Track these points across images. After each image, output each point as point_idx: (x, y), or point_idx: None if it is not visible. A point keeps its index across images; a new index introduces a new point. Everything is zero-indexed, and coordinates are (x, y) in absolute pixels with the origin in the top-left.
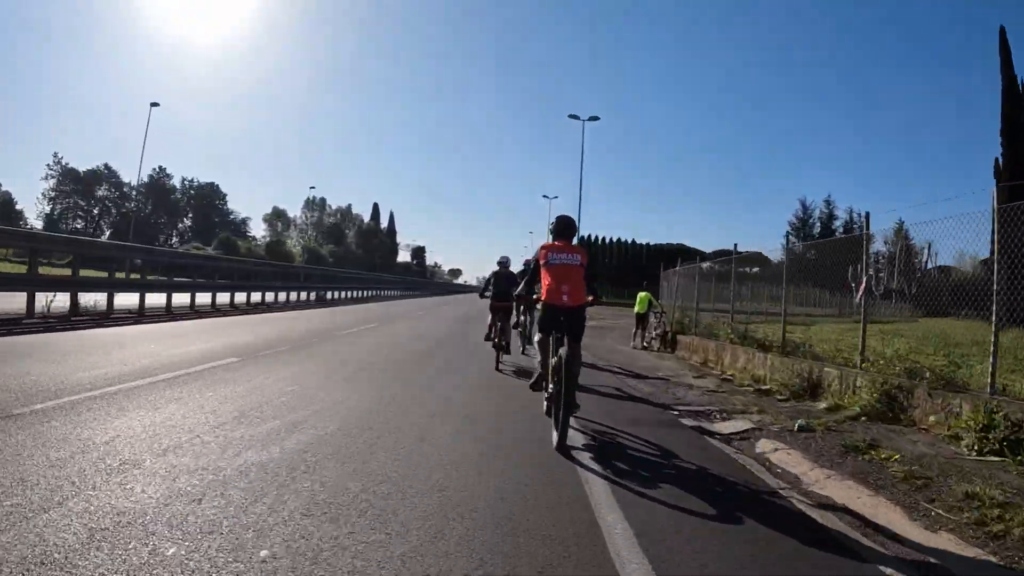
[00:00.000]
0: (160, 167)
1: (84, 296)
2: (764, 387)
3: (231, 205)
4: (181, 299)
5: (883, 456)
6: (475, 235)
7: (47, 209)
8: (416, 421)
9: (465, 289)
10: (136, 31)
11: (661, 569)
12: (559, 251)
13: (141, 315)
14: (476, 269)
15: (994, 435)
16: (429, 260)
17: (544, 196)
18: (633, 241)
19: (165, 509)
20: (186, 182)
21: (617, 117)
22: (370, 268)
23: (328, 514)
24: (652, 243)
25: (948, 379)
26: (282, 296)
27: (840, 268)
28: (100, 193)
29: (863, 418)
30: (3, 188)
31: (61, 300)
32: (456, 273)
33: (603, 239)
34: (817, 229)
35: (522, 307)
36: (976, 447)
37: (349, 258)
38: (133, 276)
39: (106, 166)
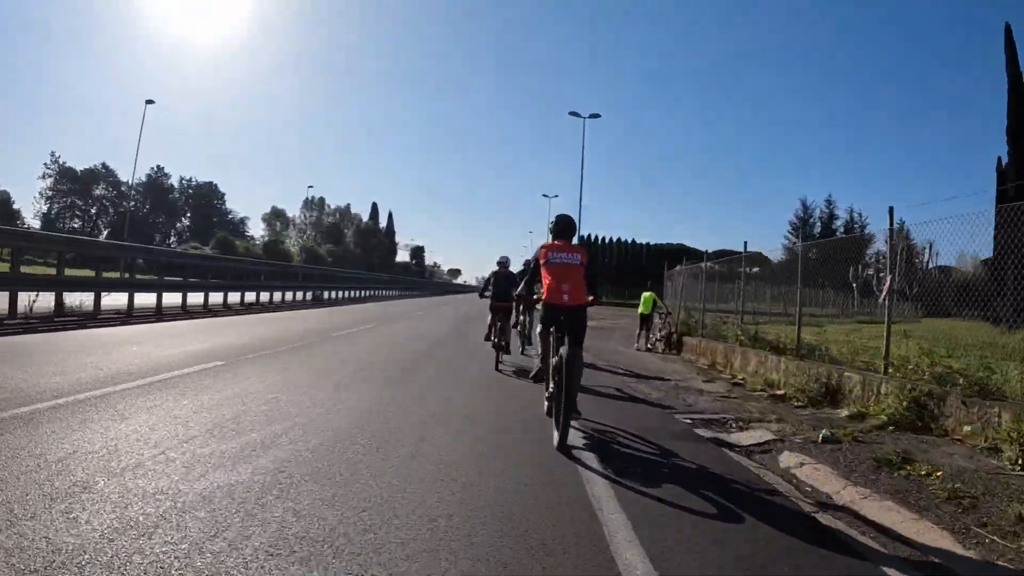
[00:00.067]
0: (158, 166)
1: (70, 296)
2: (779, 392)
3: (230, 205)
4: (174, 299)
5: (922, 472)
6: (475, 235)
7: (44, 208)
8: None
9: (464, 289)
10: (136, 31)
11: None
12: (559, 250)
13: (129, 316)
14: (475, 269)
15: None
16: (428, 260)
17: (544, 195)
18: (633, 241)
19: (109, 546)
20: (184, 182)
21: (617, 117)
22: (369, 268)
23: (298, 553)
24: (652, 243)
25: (982, 385)
26: (279, 296)
27: (843, 268)
28: (98, 192)
29: (890, 427)
30: (1, 188)
31: (46, 300)
32: (455, 273)
33: (603, 239)
34: (818, 229)
35: (522, 307)
36: (1020, 461)
37: (348, 258)
38: (125, 275)
39: (104, 165)
